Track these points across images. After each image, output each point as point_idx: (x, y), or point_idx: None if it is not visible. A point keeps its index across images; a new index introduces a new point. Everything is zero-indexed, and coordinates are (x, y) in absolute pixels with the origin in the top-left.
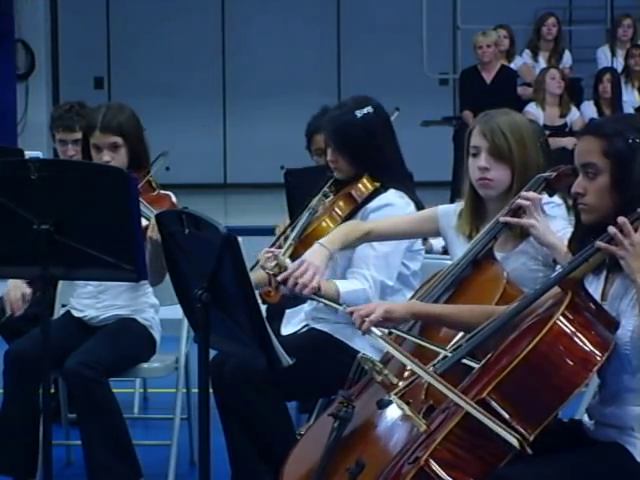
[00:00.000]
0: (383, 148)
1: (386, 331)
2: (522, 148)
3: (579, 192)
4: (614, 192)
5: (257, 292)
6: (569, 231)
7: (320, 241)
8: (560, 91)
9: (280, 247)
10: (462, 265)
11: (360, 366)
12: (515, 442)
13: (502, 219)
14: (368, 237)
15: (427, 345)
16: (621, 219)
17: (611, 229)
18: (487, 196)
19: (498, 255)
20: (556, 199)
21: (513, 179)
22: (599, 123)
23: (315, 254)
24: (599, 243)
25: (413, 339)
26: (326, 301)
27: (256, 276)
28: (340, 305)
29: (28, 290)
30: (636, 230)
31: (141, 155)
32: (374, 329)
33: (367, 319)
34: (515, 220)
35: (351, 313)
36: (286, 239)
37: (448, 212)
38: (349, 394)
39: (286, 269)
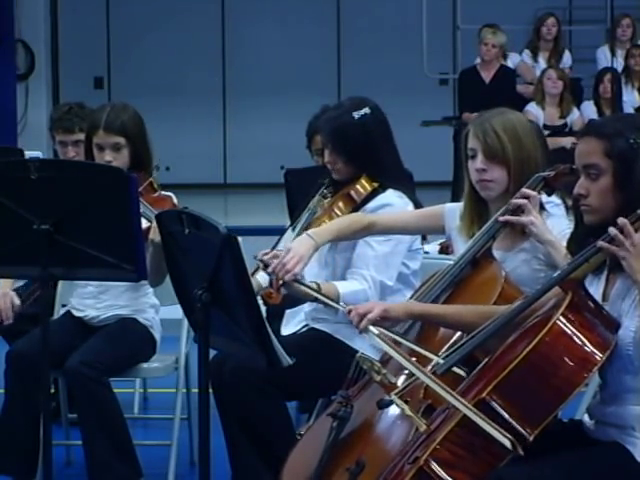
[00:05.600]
0: (381, 149)
1: (384, 330)
2: (517, 147)
3: (581, 193)
4: (617, 192)
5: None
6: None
7: (309, 232)
8: (556, 91)
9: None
10: (461, 265)
11: (359, 366)
12: (508, 444)
13: (501, 218)
14: (371, 230)
15: (420, 350)
16: (621, 220)
17: (612, 230)
18: (488, 197)
19: (498, 254)
20: (555, 199)
21: (510, 178)
22: (600, 123)
23: (301, 244)
24: (601, 243)
25: (407, 343)
26: (324, 299)
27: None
28: (338, 303)
29: (17, 300)
30: (636, 231)
31: (143, 156)
32: (372, 328)
33: (365, 317)
34: (514, 218)
35: (349, 312)
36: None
37: (454, 210)
38: (348, 394)
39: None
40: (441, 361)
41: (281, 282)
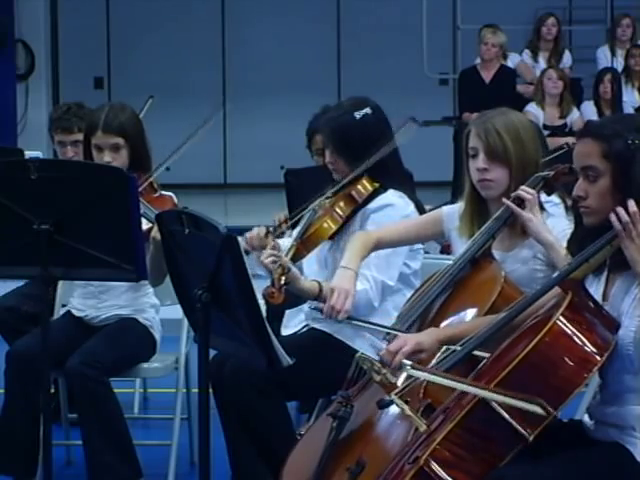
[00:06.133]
0: (382, 149)
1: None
2: (519, 147)
3: (580, 195)
4: (615, 194)
5: (260, 293)
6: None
7: (342, 264)
8: (557, 91)
9: (277, 236)
10: (460, 264)
11: (359, 366)
12: (540, 410)
13: (505, 201)
14: (379, 245)
15: None
16: (633, 209)
17: (623, 216)
18: (489, 197)
19: (497, 255)
20: (554, 198)
21: (511, 178)
22: (598, 124)
23: (342, 279)
24: (613, 216)
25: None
26: (366, 325)
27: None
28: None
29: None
30: None
31: (142, 156)
32: (405, 361)
33: (398, 353)
34: (517, 209)
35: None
36: (281, 234)
37: (452, 213)
38: (348, 394)
39: (289, 270)
40: (458, 348)
41: (284, 283)
